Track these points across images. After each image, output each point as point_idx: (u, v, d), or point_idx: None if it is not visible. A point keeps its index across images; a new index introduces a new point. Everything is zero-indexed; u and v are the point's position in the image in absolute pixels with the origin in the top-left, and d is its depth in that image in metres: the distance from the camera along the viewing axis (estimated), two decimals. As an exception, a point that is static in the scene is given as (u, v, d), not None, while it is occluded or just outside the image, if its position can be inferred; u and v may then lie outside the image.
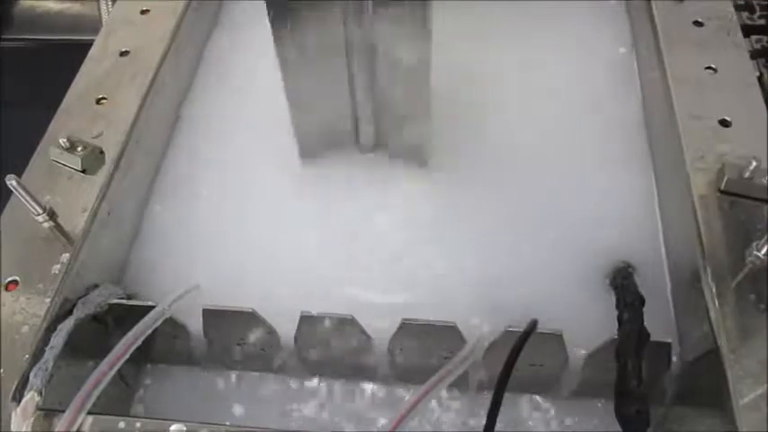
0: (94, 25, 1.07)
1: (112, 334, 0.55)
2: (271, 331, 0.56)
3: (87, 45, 0.72)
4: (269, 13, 0.55)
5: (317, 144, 0.69)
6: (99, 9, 0.98)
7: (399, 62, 0.59)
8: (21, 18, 1.14)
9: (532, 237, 0.64)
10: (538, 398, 0.57)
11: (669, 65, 0.65)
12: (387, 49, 0.59)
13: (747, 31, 0.89)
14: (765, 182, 0.54)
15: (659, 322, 0.55)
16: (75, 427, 0.46)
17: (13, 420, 0.46)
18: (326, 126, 0.68)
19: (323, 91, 0.64)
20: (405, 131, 0.67)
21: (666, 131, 0.62)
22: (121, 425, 0.46)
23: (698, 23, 0.68)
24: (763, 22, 0.90)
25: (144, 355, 0.59)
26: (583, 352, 0.53)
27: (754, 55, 0.87)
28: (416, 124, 0.65)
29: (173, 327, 0.56)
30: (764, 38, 0.88)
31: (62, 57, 0.99)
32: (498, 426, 0.44)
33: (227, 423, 0.47)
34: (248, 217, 0.67)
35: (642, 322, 0.50)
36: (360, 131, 0.69)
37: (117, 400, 0.56)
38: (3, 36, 1.12)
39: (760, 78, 0.84)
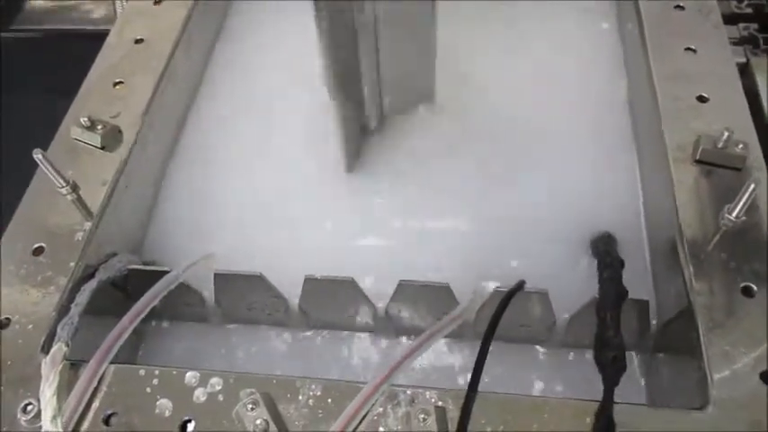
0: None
1: (130, 300, 0.59)
2: (277, 295, 0.60)
3: (95, 34, 0.77)
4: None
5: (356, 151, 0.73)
6: (114, 2, 1.03)
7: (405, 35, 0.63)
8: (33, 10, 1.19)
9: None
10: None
11: (651, 45, 0.69)
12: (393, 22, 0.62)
13: (735, 18, 0.92)
14: (737, 151, 0.58)
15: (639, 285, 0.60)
16: (99, 375, 0.50)
17: (42, 369, 0.50)
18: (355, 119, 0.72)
19: (351, 77, 0.67)
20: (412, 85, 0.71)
21: (648, 106, 0.66)
22: (141, 372, 0.51)
23: (679, 7, 0.72)
24: (750, 10, 0.94)
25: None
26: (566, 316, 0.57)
27: (742, 42, 0.90)
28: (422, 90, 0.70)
29: (186, 291, 0.60)
30: (751, 25, 0.92)
31: (71, 46, 1.04)
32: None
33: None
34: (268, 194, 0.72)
35: (620, 280, 0.54)
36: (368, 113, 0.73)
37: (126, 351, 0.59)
38: (13, 27, 1.17)
39: (746, 64, 0.87)
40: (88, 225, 0.59)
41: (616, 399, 0.47)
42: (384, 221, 0.69)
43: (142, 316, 0.54)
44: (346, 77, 0.65)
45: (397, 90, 0.72)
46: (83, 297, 0.54)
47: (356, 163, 0.73)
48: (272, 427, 0.46)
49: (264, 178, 0.73)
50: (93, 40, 0.76)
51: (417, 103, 0.73)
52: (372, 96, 0.70)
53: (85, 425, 0.48)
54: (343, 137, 0.69)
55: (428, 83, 0.72)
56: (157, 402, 0.49)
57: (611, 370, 0.48)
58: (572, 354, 0.60)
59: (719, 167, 0.59)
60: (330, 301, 0.60)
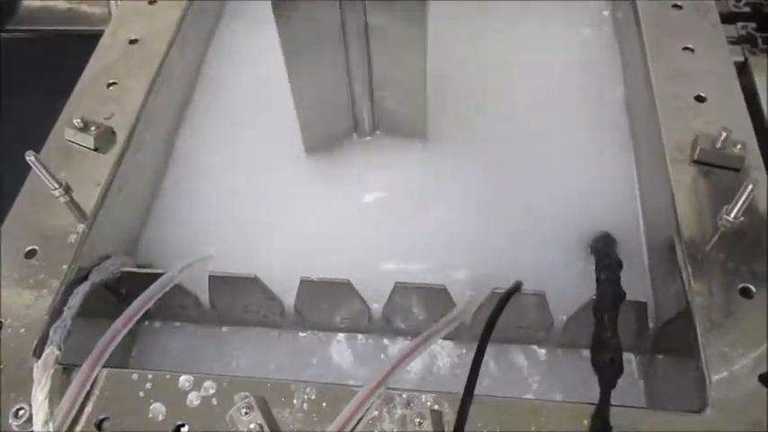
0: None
1: (124, 303, 0.59)
2: (272, 297, 0.60)
3: (94, 35, 0.76)
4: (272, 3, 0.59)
5: (320, 139, 0.73)
6: (108, 3, 1.03)
7: (396, 44, 0.63)
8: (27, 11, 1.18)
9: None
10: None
11: (649, 44, 0.68)
12: (383, 31, 0.62)
13: (733, 18, 0.92)
14: (736, 151, 0.57)
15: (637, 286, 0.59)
16: (91, 379, 0.49)
17: (34, 373, 0.49)
18: (328, 116, 0.71)
19: (323, 78, 0.67)
20: (403, 110, 0.71)
21: (645, 106, 0.66)
22: (134, 377, 0.50)
23: (677, 6, 0.72)
24: (748, 9, 0.94)
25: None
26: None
27: (739, 41, 0.90)
28: (414, 102, 0.69)
29: (181, 293, 0.59)
30: (749, 24, 0.91)
31: (66, 46, 1.04)
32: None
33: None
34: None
35: (618, 282, 0.53)
36: (357, 117, 0.73)
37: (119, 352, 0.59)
38: (8, 28, 1.17)
39: (744, 63, 0.87)
40: (81, 227, 0.59)
41: (614, 401, 0.46)
42: (381, 220, 0.69)
43: (135, 319, 0.53)
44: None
45: (390, 120, 0.72)
46: (75, 300, 0.54)
47: (318, 147, 0.73)
48: (267, 431, 0.46)
49: (262, 178, 0.73)
50: (92, 41, 0.76)
51: (410, 135, 0.73)
52: (362, 100, 0.70)
53: (78, 429, 0.48)
54: (302, 112, 0.69)
55: (420, 121, 0.72)
56: (150, 407, 0.48)
57: (608, 372, 0.48)
58: (570, 354, 0.60)
59: (718, 168, 0.58)
60: (326, 303, 0.59)
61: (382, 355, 0.61)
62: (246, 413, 0.46)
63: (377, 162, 0.73)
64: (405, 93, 0.69)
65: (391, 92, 0.69)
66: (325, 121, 0.72)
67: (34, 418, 0.47)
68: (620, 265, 0.57)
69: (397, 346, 0.62)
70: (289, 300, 0.60)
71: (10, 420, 0.48)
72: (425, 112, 0.70)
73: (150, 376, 0.50)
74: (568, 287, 0.59)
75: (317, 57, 0.64)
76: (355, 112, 0.72)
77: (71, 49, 0.84)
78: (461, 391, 0.47)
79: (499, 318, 0.51)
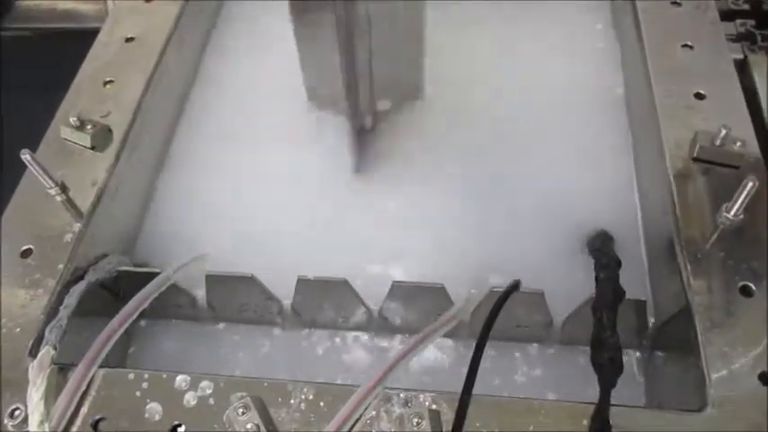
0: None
1: (120, 302, 0.58)
2: (270, 297, 0.59)
3: (86, 32, 0.76)
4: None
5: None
6: (105, 1, 1.03)
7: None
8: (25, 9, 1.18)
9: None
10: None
11: (648, 42, 0.68)
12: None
13: (732, 15, 0.92)
14: (735, 149, 0.57)
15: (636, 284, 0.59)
16: (87, 379, 0.49)
17: (29, 373, 0.49)
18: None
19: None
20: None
21: (645, 104, 0.65)
22: (131, 377, 0.50)
23: (676, 3, 0.72)
24: (747, 6, 0.93)
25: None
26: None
27: (739, 38, 0.90)
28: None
29: (177, 292, 0.59)
30: (748, 22, 0.91)
31: (63, 44, 1.03)
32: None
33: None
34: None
35: (617, 280, 0.53)
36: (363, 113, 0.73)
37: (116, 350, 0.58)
38: (7, 26, 1.16)
39: (744, 60, 0.87)
40: (78, 226, 0.58)
41: (613, 400, 0.46)
42: (380, 217, 0.69)
43: (132, 319, 0.53)
44: (330, 79, 0.64)
45: (387, 89, 0.71)
46: (71, 299, 0.53)
47: (361, 163, 0.72)
48: (264, 431, 0.46)
49: (260, 177, 0.72)
50: (89, 38, 0.75)
51: (405, 100, 0.72)
52: (366, 96, 0.69)
53: (74, 430, 0.48)
54: (353, 138, 0.69)
55: (417, 80, 0.71)
56: (147, 407, 0.48)
57: (608, 371, 0.47)
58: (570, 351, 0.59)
59: (717, 165, 0.58)
60: (323, 302, 0.59)
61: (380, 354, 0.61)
62: (243, 413, 0.46)
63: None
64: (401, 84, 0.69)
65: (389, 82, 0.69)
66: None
67: (30, 418, 0.47)
68: (618, 263, 0.56)
69: (395, 345, 0.61)
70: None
71: (6, 421, 0.48)
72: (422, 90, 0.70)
73: (147, 376, 0.50)
74: (566, 286, 0.59)
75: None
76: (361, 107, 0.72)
77: (68, 46, 0.84)
78: (460, 390, 0.47)
79: (497, 316, 0.51)
